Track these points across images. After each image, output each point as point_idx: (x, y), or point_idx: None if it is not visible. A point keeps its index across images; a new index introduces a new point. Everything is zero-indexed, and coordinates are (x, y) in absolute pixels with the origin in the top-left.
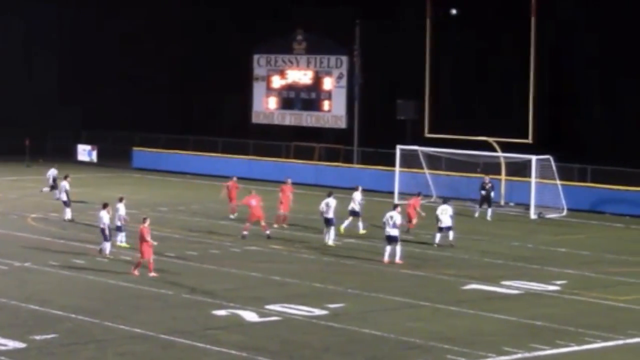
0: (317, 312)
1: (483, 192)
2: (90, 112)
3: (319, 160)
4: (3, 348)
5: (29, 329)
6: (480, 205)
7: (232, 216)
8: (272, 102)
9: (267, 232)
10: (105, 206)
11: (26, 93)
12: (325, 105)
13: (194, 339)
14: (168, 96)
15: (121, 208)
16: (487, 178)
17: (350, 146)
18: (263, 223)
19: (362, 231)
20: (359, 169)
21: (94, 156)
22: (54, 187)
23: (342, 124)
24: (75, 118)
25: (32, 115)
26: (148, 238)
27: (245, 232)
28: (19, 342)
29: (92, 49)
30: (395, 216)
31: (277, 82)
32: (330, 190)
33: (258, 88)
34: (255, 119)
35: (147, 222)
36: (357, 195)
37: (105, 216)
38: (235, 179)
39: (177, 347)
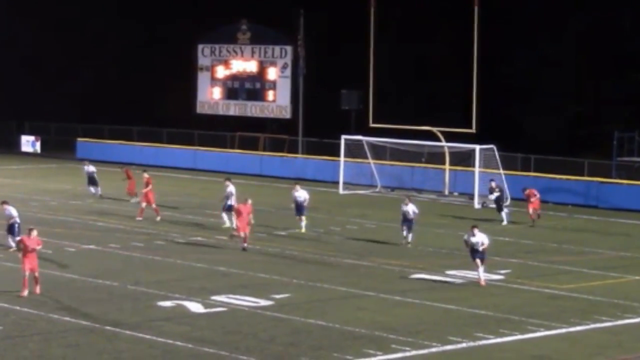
0: (263, 302)
1: (492, 197)
2: (33, 103)
3: (264, 150)
4: None
5: None
6: (500, 211)
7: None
8: (217, 92)
9: (245, 245)
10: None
11: None
12: (270, 95)
13: (140, 331)
14: (113, 86)
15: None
16: (493, 183)
17: (295, 136)
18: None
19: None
20: (303, 159)
21: (38, 147)
22: (92, 183)
23: (287, 114)
24: (18, 108)
25: None
26: None
27: (235, 233)
28: None
29: (33, 37)
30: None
31: (221, 72)
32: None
33: (202, 78)
34: (199, 109)
35: None
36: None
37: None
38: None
39: (123, 339)
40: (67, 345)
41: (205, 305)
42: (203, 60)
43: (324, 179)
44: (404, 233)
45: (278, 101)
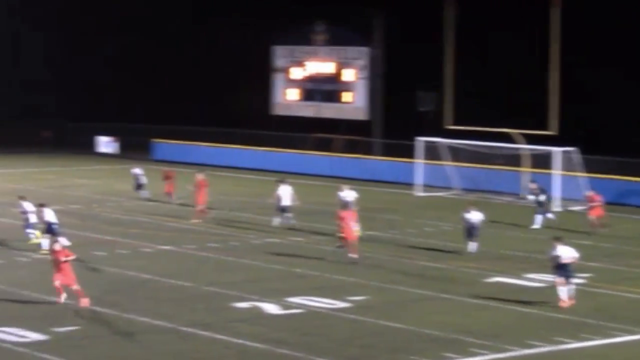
0: (339, 304)
1: (531, 198)
2: (112, 104)
3: (339, 152)
4: (25, 340)
5: (50, 321)
6: (544, 214)
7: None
8: (292, 94)
9: (354, 256)
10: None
11: (47, 85)
12: (346, 96)
13: (215, 331)
14: (188, 88)
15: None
16: (533, 185)
17: (370, 138)
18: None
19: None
20: (378, 161)
21: (115, 148)
22: (139, 186)
23: (363, 115)
24: (96, 110)
25: (53, 107)
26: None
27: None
28: (41, 334)
29: (113, 40)
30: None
31: (297, 73)
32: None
33: (278, 79)
34: (275, 111)
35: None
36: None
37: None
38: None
39: (198, 340)
40: (143, 345)
41: (281, 307)
42: (278, 62)
43: (399, 180)
44: (468, 244)
45: (354, 103)
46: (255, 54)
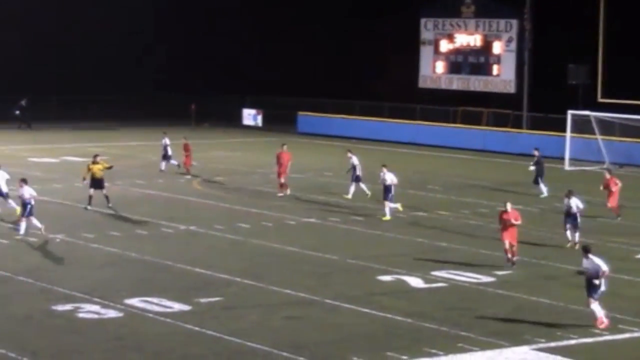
0: (484, 279)
1: (531, 168)
2: (256, 77)
3: (487, 125)
4: (169, 310)
5: (194, 291)
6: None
7: (280, 194)
8: (440, 67)
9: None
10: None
11: (192, 59)
12: (494, 69)
13: (359, 304)
14: (334, 61)
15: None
16: (536, 152)
17: (519, 111)
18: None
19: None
20: (527, 135)
21: (259, 120)
22: (166, 156)
23: (511, 88)
24: (241, 82)
25: (200, 81)
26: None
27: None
28: (184, 305)
29: (257, 14)
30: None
31: (444, 46)
32: None
33: (425, 52)
34: (422, 84)
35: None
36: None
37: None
38: (285, 147)
39: (342, 312)
40: (287, 317)
41: (426, 281)
42: (426, 34)
43: (549, 154)
44: (568, 233)
45: (502, 75)
46: (403, 27)
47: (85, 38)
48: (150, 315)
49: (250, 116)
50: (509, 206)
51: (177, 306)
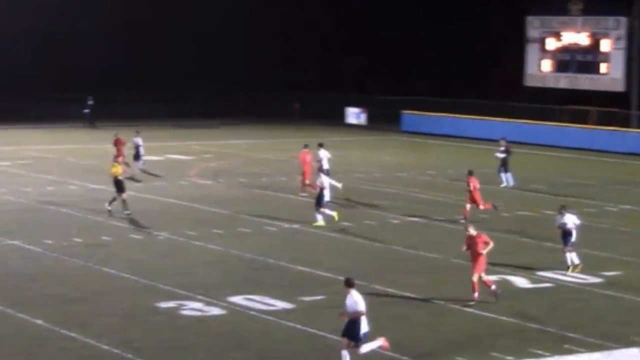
0: (591, 279)
1: (499, 156)
2: (360, 76)
3: (594, 124)
4: (272, 308)
5: (297, 290)
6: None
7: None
8: (546, 65)
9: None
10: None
11: (297, 59)
12: (602, 67)
13: (464, 304)
14: (439, 60)
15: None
16: (502, 141)
17: (627, 110)
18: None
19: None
20: (636, 134)
21: (363, 119)
22: (137, 155)
23: (620, 86)
24: (345, 81)
25: (303, 80)
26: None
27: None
28: (287, 303)
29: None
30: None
31: (551, 44)
32: None
33: (532, 50)
34: (528, 82)
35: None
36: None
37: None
38: (307, 148)
39: (448, 313)
40: (393, 317)
41: (531, 281)
42: (532, 33)
43: None
44: (567, 256)
45: (611, 74)
46: (509, 25)
47: (182, 36)
48: (253, 313)
49: (354, 114)
50: (472, 230)
51: (280, 304)
